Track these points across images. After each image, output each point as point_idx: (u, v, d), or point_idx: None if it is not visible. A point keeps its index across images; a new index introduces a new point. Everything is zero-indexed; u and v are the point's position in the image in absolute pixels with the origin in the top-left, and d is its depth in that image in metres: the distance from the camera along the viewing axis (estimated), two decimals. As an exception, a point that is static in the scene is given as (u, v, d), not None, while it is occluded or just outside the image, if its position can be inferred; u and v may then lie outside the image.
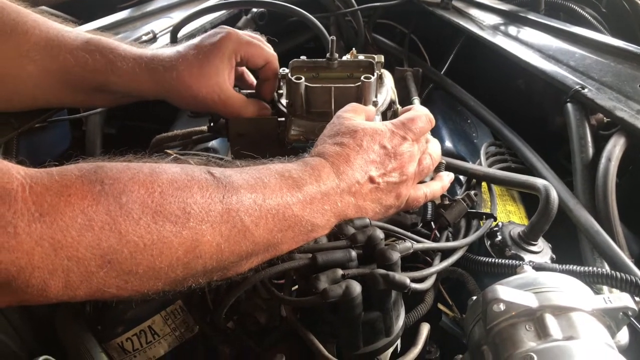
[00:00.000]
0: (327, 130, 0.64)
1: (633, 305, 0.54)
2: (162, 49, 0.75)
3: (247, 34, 0.78)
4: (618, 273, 0.60)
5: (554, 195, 0.70)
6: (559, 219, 0.76)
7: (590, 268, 0.62)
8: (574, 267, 0.63)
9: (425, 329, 0.62)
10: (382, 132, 0.61)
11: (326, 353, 0.55)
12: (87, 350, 0.61)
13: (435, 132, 1.05)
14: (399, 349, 0.63)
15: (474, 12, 1.27)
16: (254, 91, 0.82)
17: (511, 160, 0.97)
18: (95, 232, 0.41)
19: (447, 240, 0.72)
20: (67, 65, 0.70)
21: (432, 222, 0.75)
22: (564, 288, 0.56)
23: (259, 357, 0.63)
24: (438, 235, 0.73)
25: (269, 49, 0.78)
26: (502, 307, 0.54)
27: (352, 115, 0.64)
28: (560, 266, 0.64)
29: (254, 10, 1.28)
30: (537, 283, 0.56)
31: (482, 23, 1.19)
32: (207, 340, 0.68)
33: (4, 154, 0.77)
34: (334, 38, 0.77)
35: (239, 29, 1.25)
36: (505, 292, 0.54)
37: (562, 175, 0.90)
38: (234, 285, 0.57)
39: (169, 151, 0.90)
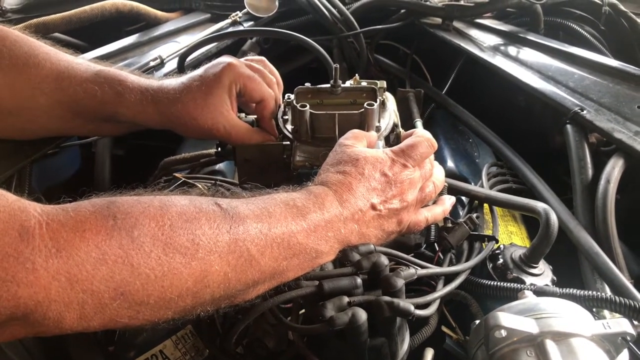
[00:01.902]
0: (329, 158, 0.66)
1: (631, 331, 0.56)
2: (168, 80, 0.76)
3: (250, 65, 0.79)
4: (617, 297, 0.62)
5: (553, 219, 0.72)
6: (560, 238, 0.77)
7: (590, 292, 0.63)
8: (574, 291, 0.64)
9: (429, 354, 0.64)
10: (382, 160, 0.63)
11: (333, 378, 0.57)
12: (101, 376, 0.62)
13: (437, 153, 1.05)
14: (404, 373, 0.65)
15: (474, 32, 1.29)
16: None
17: (512, 180, 0.98)
18: (109, 266, 0.43)
19: (451, 262, 0.74)
20: (77, 97, 0.72)
21: (435, 244, 0.76)
22: (564, 314, 0.57)
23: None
24: (442, 257, 0.75)
25: (267, 87, 0.78)
26: (503, 333, 0.55)
27: (354, 142, 0.66)
28: (560, 290, 0.66)
29: (259, 33, 1.31)
30: (537, 309, 0.58)
31: (482, 44, 1.22)
32: (216, 364, 0.69)
33: (18, 180, 0.79)
34: (337, 66, 0.79)
35: (244, 52, 1.29)
36: (507, 318, 0.55)
37: (563, 191, 0.92)
38: (243, 311, 0.59)
39: (177, 175, 0.92)
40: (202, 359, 0.70)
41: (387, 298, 0.56)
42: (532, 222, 0.90)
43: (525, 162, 0.99)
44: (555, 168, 1.07)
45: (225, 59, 0.76)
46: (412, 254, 0.72)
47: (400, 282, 0.58)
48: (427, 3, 1.32)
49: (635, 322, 0.61)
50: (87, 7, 1.20)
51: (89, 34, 1.28)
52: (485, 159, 1.09)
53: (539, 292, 0.66)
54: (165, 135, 1.24)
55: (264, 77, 0.79)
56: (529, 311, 0.58)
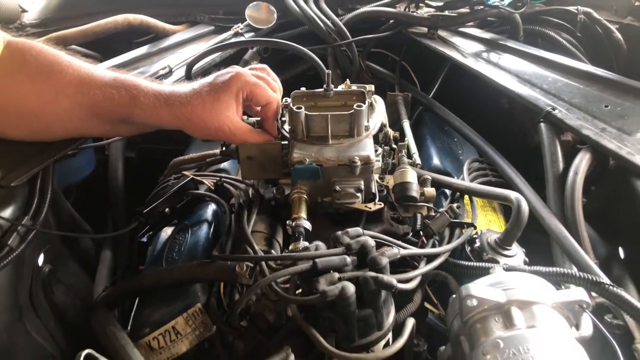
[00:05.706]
0: None
1: (587, 299, 0.63)
2: (180, 85, 0.84)
3: (256, 73, 0.87)
4: (578, 272, 0.69)
5: (524, 206, 0.80)
6: (537, 226, 0.85)
7: (553, 268, 0.71)
8: (540, 268, 0.72)
9: (410, 323, 0.71)
10: None
11: (326, 344, 0.64)
12: (123, 346, 0.70)
13: (424, 151, 1.15)
14: (390, 342, 0.73)
15: (458, 40, 1.37)
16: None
17: (492, 174, 1.06)
18: None
19: (433, 247, 0.82)
20: (97, 99, 0.80)
21: (420, 232, 0.85)
22: (528, 285, 0.65)
23: (269, 350, 0.72)
24: (425, 242, 0.83)
25: (272, 91, 0.86)
26: (474, 302, 0.63)
27: None
28: (528, 267, 0.74)
29: (259, 43, 1.40)
30: (505, 281, 0.66)
31: (465, 51, 1.30)
32: (223, 338, 0.77)
33: (42, 179, 0.87)
34: (330, 72, 0.87)
35: (246, 61, 1.38)
36: (477, 289, 0.63)
37: (542, 187, 0.98)
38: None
39: (185, 172, 1.00)
40: (210, 334, 0.78)
41: (372, 273, 0.64)
42: (510, 213, 0.98)
43: (504, 158, 1.07)
44: (535, 166, 1.15)
45: (234, 68, 0.84)
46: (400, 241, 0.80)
47: (384, 260, 0.66)
48: (414, 14, 1.41)
49: (594, 294, 0.69)
50: (101, 22, 1.29)
51: (102, 45, 1.36)
52: (469, 156, 1.17)
53: (509, 269, 0.74)
54: (174, 139, 1.33)
55: (268, 83, 0.87)
56: (498, 284, 0.66)
